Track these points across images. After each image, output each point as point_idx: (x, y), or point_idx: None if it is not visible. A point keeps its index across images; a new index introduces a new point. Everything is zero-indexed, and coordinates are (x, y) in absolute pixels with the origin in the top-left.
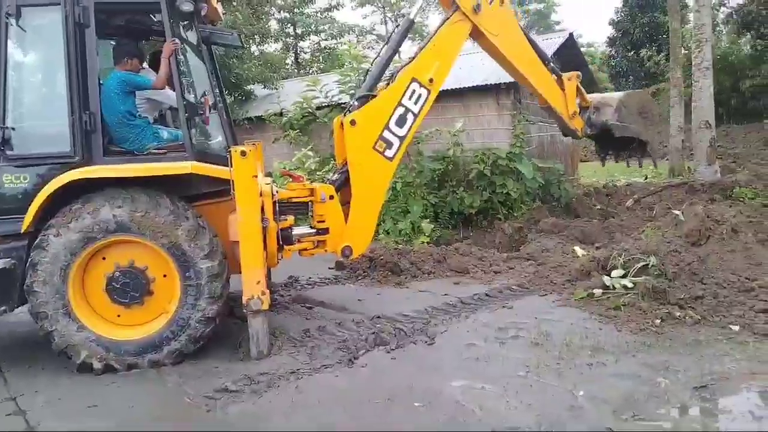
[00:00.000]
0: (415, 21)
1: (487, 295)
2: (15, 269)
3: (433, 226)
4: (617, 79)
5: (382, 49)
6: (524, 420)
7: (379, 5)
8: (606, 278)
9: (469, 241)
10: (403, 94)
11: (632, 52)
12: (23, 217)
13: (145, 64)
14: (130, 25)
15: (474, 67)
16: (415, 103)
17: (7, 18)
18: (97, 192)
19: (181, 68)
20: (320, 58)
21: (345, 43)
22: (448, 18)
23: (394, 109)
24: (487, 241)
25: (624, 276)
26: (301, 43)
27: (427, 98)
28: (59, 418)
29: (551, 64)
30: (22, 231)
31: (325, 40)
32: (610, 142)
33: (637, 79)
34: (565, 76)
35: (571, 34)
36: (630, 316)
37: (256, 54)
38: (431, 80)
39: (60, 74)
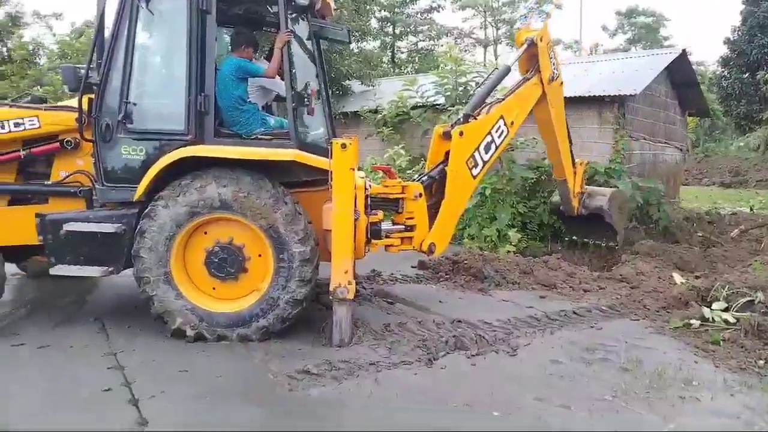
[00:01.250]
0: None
1: (574, 312)
2: (124, 235)
3: (520, 236)
4: (728, 102)
5: (484, 80)
6: None
7: (480, 9)
8: (706, 310)
9: (557, 255)
10: (493, 126)
11: (747, 75)
12: (136, 187)
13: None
14: (247, 15)
15: (576, 77)
16: (499, 136)
17: (139, 1)
18: (204, 170)
19: (292, 59)
20: (416, 58)
21: (442, 45)
22: (528, 79)
23: (485, 136)
24: (576, 258)
25: (726, 309)
26: (398, 43)
27: (506, 136)
28: (153, 378)
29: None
30: (134, 199)
31: (423, 41)
32: (579, 227)
33: (750, 103)
34: (577, 161)
35: (683, 51)
36: (730, 353)
37: (355, 50)
38: (512, 123)
39: (180, 57)
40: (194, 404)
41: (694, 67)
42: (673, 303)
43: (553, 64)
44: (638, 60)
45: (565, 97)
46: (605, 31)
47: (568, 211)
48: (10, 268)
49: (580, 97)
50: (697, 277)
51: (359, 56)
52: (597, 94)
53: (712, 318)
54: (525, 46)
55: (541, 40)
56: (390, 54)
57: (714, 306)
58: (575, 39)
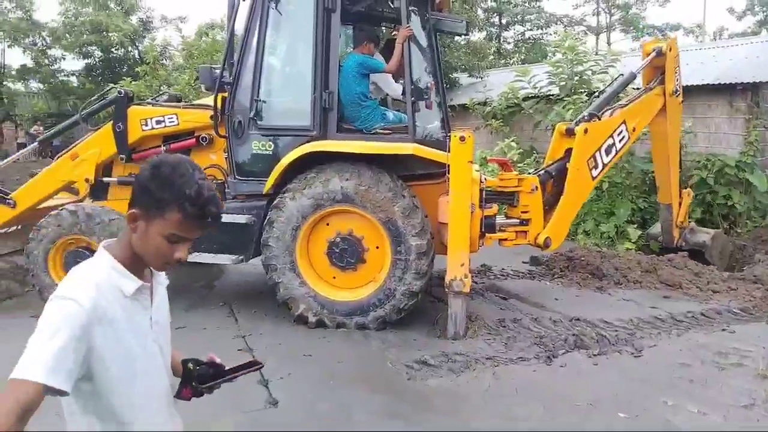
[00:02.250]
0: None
1: (702, 314)
2: (254, 225)
3: (640, 232)
4: None
5: (609, 84)
6: None
7: None
8: None
9: (683, 253)
10: (615, 129)
11: None
12: (265, 180)
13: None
14: (369, 12)
15: (704, 64)
16: (620, 141)
17: (269, 3)
18: (327, 164)
19: (411, 54)
20: (523, 48)
21: (551, 34)
22: (651, 89)
23: (607, 138)
24: (703, 257)
25: None
26: (504, 33)
27: (626, 141)
28: (280, 360)
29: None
30: (263, 192)
31: (530, 30)
32: None
33: None
34: (685, 190)
35: None
36: None
37: (462, 42)
38: (633, 129)
39: (306, 55)
40: (319, 387)
41: None
42: None
43: (677, 79)
44: None
45: (691, 86)
46: (732, 13)
47: (666, 242)
48: None
49: (709, 85)
50: None
51: (467, 48)
52: (727, 82)
53: None
54: (652, 55)
55: (670, 50)
56: (496, 45)
57: None
58: (697, 23)
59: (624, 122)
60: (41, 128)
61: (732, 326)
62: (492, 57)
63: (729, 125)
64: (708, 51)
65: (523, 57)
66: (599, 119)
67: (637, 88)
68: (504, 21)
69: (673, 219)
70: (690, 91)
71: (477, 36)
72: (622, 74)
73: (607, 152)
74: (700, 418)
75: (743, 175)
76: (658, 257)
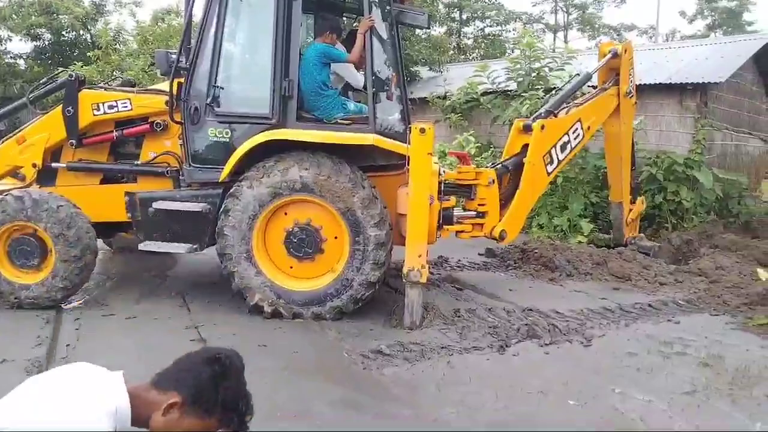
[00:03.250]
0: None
1: (650, 305)
2: (209, 213)
3: (592, 226)
4: None
5: (565, 83)
6: None
7: None
8: None
9: (632, 247)
10: (571, 127)
11: None
12: (221, 168)
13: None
14: (331, 1)
15: (657, 64)
16: (575, 138)
17: None
18: (285, 153)
19: (373, 45)
20: (482, 44)
21: (510, 31)
22: (605, 89)
23: (563, 135)
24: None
25: None
26: (464, 29)
27: (581, 139)
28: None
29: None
30: (219, 180)
31: (490, 26)
32: None
33: None
34: (639, 198)
35: None
36: None
37: (423, 36)
38: (588, 128)
39: (266, 43)
40: (275, 378)
41: None
42: (756, 299)
43: (631, 81)
44: (724, 46)
45: (644, 85)
46: (683, 16)
47: (616, 239)
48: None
49: (661, 84)
50: None
51: (428, 42)
52: (679, 82)
53: None
54: (608, 56)
55: (625, 52)
56: (456, 40)
57: None
58: (650, 24)
59: (579, 120)
60: None
61: (677, 317)
62: (452, 52)
63: (679, 123)
64: (661, 51)
65: (482, 53)
66: (556, 116)
67: (594, 86)
68: (464, 16)
69: (624, 217)
70: (643, 90)
71: (438, 30)
72: (579, 73)
73: (563, 149)
74: (646, 405)
75: (691, 172)
76: (609, 250)
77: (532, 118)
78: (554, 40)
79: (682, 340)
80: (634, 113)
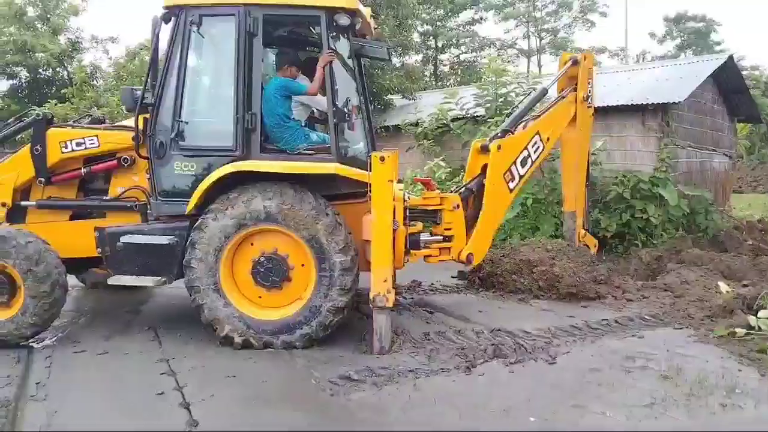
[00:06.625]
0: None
1: (616, 321)
2: (176, 246)
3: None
4: None
5: (521, 100)
6: None
7: (524, 20)
8: (752, 318)
9: (602, 265)
10: (529, 141)
11: None
12: (188, 201)
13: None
14: (291, 36)
15: (620, 86)
16: (535, 151)
17: (191, 26)
18: (250, 184)
19: (334, 77)
20: (459, 71)
21: (485, 57)
22: (563, 97)
23: (522, 150)
24: (620, 268)
25: None
26: (440, 56)
27: (542, 151)
28: (202, 383)
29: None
30: (186, 213)
31: (465, 53)
32: None
33: None
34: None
35: (731, 57)
36: None
37: (397, 65)
38: (547, 139)
39: (229, 77)
40: (242, 407)
41: (747, 72)
42: (718, 312)
43: (590, 90)
44: (683, 67)
45: (608, 106)
46: (653, 37)
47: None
48: (71, 279)
49: (623, 105)
50: (744, 286)
51: (401, 71)
52: (640, 102)
53: (758, 326)
54: (568, 64)
55: (584, 59)
56: (432, 67)
57: (760, 314)
58: (621, 46)
59: (538, 133)
60: None
61: (642, 332)
62: (428, 78)
63: (643, 143)
64: (623, 74)
65: (459, 79)
66: (513, 134)
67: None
68: (440, 44)
69: (577, 227)
70: (607, 111)
71: (414, 59)
72: (534, 89)
73: (523, 164)
74: (605, 419)
75: (656, 190)
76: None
77: (489, 138)
78: (528, 65)
79: (645, 354)
80: (591, 123)
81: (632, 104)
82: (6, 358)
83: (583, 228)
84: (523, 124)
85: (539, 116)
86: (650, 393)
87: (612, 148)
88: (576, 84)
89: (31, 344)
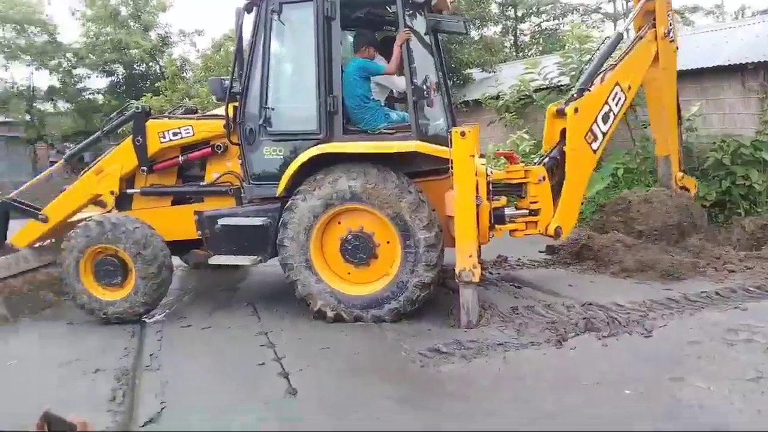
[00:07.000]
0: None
1: (717, 293)
2: (270, 227)
3: None
4: None
5: (595, 51)
6: (751, 426)
7: None
8: None
9: (700, 236)
10: (609, 95)
11: None
12: (278, 184)
13: None
14: (368, 17)
15: (716, 45)
16: (616, 104)
17: (272, 15)
18: (335, 165)
19: (411, 55)
20: (540, 39)
21: (568, 24)
22: (641, 37)
23: (602, 107)
24: (722, 238)
25: None
26: (520, 26)
27: (624, 102)
28: (298, 355)
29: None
30: (277, 195)
31: (547, 20)
32: None
33: None
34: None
35: None
36: None
37: (475, 38)
38: (629, 87)
39: (310, 62)
40: (336, 378)
41: None
42: None
43: (670, 24)
44: None
45: (703, 68)
46: None
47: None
48: (175, 260)
49: (720, 66)
50: None
51: (479, 44)
52: (738, 62)
53: None
54: (642, 1)
55: None
56: (512, 38)
57: None
58: (716, 3)
59: (617, 83)
60: (71, 146)
61: (745, 303)
62: (508, 50)
63: (743, 105)
64: (720, 33)
65: (541, 48)
66: (589, 91)
67: None
68: (519, 13)
69: (673, 172)
70: (702, 74)
71: (492, 30)
72: (609, 37)
73: (605, 120)
74: (705, 393)
75: (759, 155)
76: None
77: (565, 101)
78: (614, 29)
79: (750, 327)
80: (676, 59)
81: (730, 64)
82: (123, 332)
83: (680, 170)
84: (600, 77)
85: (616, 65)
86: (755, 366)
87: (708, 112)
88: (654, 19)
89: (143, 320)
